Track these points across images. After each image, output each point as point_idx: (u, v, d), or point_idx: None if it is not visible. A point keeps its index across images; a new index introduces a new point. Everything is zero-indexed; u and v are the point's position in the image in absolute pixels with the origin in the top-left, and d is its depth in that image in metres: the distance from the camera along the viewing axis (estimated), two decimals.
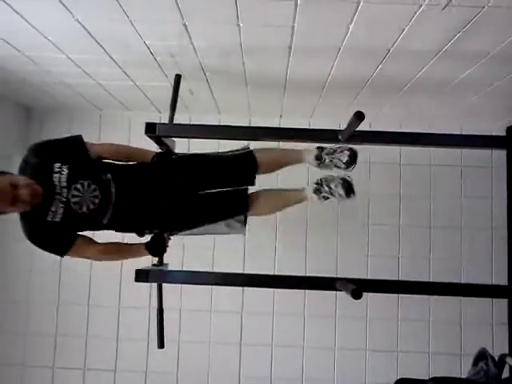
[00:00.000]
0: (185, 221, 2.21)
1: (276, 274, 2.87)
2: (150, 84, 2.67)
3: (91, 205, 1.97)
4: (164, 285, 2.35)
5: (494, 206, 3.25)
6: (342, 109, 2.92)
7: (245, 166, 2.23)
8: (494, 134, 3.18)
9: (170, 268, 2.35)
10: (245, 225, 2.31)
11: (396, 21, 1.79)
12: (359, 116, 1.64)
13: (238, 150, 2.29)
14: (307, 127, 3.13)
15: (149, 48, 2.14)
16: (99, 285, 3.24)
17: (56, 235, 1.99)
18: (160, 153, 2.21)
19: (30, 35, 2.00)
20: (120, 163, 2.17)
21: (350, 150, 2.15)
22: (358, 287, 1.69)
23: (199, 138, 2.42)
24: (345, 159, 2.15)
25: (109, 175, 2.04)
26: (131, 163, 2.19)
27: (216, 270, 2.97)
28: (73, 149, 2.05)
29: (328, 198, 2.21)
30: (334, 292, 3.00)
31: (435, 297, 3.10)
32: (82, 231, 2.08)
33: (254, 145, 2.30)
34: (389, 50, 2.05)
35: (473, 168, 3.27)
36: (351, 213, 3.11)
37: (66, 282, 3.25)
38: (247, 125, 3.16)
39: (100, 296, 3.25)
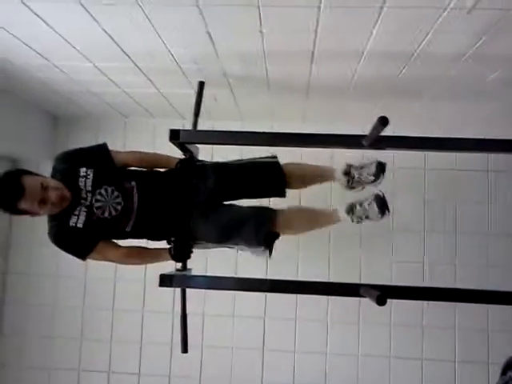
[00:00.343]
0: (204, 231, 2.16)
1: (299, 279, 2.86)
2: (174, 91, 2.71)
3: (113, 211, 2.02)
4: (187, 290, 2.37)
5: None
6: (366, 114, 2.90)
7: (273, 175, 2.21)
8: None
9: (194, 273, 2.37)
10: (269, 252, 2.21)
11: (420, 24, 1.78)
12: (383, 121, 1.62)
13: (263, 158, 2.28)
14: (330, 133, 3.11)
15: (173, 56, 2.17)
16: (123, 289, 3.28)
17: (78, 239, 2.03)
18: (184, 159, 2.23)
19: (58, 44, 2.05)
20: (144, 170, 2.21)
21: (378, 161, 2.12)
22: (383, 293, 1.67)
23: (222, 144, 2.43)
24: (373, 170, 2.11)
25: (133, 183, 2.09)
26: (155, 170, 2.23)
27: (239, 275, 2.98)
28: (98, 156, 2.12)
29: (361, 218, 2.16)
30: (358, 298, 3.00)
31: (461, 304, 3.05)
32: (102, 238, 2.10)
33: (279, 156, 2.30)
34: (413, 54, 2.04)
35: (500, 173, 3.21)
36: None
37: (91, 286, 3.31)
38: (270, 130, 3.16)
39: (124, 300, 3.29)
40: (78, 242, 2.04)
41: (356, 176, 2.17)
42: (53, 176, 2.02)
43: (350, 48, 2.01)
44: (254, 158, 2.29)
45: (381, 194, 2.12)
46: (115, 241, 2.16)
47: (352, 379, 3.16)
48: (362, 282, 2.91)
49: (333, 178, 2.27)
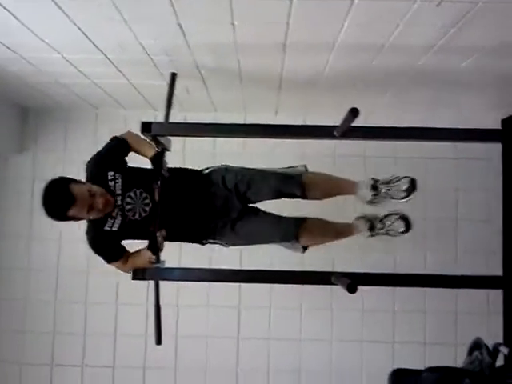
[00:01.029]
0: (232, 238, 2.31)
1: (271, 269, 2.89)
2: (146, 82, 2.68)
3: (143, 212, 2.12)
4: (161, 281, 2.37)
5: (489, 199, 3.28)
6: (338, 105, 2.93)
7: (292, 181, 2.26)
8: (489, 125, 3.21)
9: (167, 265, 2.37)
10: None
11: (391, 17, 1.80)
12: (354, 112, 1.64)
13: (291, 167, 2.34)
14: (303, 123, 3.14)
15: (144, 47, 2.15)
16: (96, 282, 3.25)
17: (109, 245, 2.17)
18: (156, 154, 2.23)
19: (26, 36, 2.01)
20: (173, 170, 2.27)
21: (411, 178, 2.12)
22: (353, 281, 1.71)
23: (195, 136, 2.43)
24: (405, 187, 2.12)
25: (159, 183, 2.15)
26: (183, 172, 2.33)
27: (213, 266, 2.99)
28: (117, 151, 2.22)
29: (380, 233, 2.22)
30: (331, 286, 3.05)
31: (430, 288, 3.14)
32: (135, 239, 2.21)
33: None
34: (384, 46, 2.07)
35: (467, 160, 3.30)
36: (343, 209, 3.13)
37: (63, 280, 3.27)
38: (242, 122, 3.17)
39: (97, 293, 3.26)
40: (110, 247, 2.18)
41: (383, 191, 2.17)
42: (90, 182, 2.11)
43: (322, 40, 2.03)
44: (280, 169, 2.35)
45: (405, 213, 2.18)
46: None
47: (326, 364, 3.23)
48: (335, 270, 2.96)
49: (354, 192, 2.27)
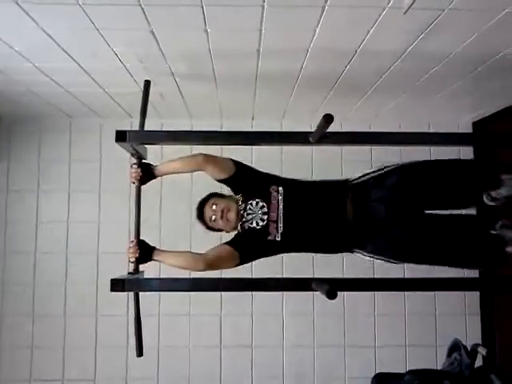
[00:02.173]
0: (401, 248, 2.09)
1: (252, 277, 2.88)
2: (120, 90, 2.66)
3: (261, 221, 2.06)
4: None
5: None
6: (313, 110, 2.96)
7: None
8: (461, 128, 3.27)
9: (146, 276, 2.33)
10: None
11: (361, 23, 1.83)
12: (327, 119, 1.65)
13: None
14: (279, 130, 3.15)
15: (117, 55, 2.13)
16: (75, 294, 3.20)
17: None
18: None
19: None
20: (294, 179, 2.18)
21: None
22: (333, 287, 1.70)
23: (171, 144, 2.41)
24: None
25: (279, 189, 2.08)
26: (308, 181, 2.20)
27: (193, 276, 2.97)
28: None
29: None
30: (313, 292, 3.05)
31: (409, 292, 3.17)
32: (253, 248, 2.11)
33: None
34: (356, 51, 2.09)
35: None
36: None
37: (40, 293, 3.20)
38: (219, 129, 3.17)
39: (76, 305, 3.21)
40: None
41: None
42: None
43: (296, 46, 2.04)
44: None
45: None
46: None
47: (309, 368, 3.23)
48: (316, 276, 2.96)
49: None
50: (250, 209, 2.09)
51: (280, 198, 2.06)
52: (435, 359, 3.19)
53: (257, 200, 2.08)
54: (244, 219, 2.09)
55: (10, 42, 1.97)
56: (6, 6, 1.66)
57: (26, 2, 1.64)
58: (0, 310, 3.18)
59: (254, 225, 2.07)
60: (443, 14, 1.71)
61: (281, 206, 2.04)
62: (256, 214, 2.08)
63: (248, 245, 2.08)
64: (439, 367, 2.57)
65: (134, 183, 2.12)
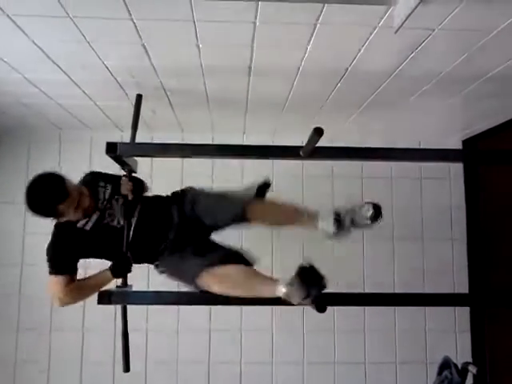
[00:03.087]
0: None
1: None
2: (111, 104, 2.65)
3: (117, 224, 2.09)
4: (129, 305, 2.31)
5: (454, 218, 3.35)
6: (304, 125, 2.95)
7: (231, 212, 2.09)
8: (451, 146, 3.30)
9: (135, 289, 2.30)
10: None
11: (353, 42, 1.84)
12: (318, 131, 1.65)
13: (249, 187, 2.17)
14: (270, 144, 3.16)
15: (108, 68, 2.13)
16: (61, 308, 3.14)
17: (68, 255, 2.05)
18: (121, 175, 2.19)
19: None
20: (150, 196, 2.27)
21: (373, 203, 1.90)
22: (322, 301, 1.69)
23: (161, 157, 2.40)
24: (369, 213, 1.89)
25: (139, 205, 2.14)
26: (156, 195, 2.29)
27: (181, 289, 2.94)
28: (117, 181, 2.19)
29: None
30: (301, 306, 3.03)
31: (400, 307, 3.16)
32: (102, 246, 2.10)
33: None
34: (347, 70, 2.10)
35: (431, 180, 3.37)
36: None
37: (26, 306, 3.15)
38: (210, 142, 3.16)
39: (62, 319, 3.16)
40: (68, 256, 2.06)
41: (347, 222, 1.97)
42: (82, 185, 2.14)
43: (287, 63, 2.05)
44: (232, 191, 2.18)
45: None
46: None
47: None
48: None
49: (313, 226, 2.04)
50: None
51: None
52: (425, 377, 3.17)
53: None
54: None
55: None
56: None
57: (16, 14, 1.64)
58: None
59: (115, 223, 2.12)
60: (433, 33, 1.73)
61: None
62: (117, 213, 2.13)
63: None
64: None
65: (127, 196, 2.12)
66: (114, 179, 2.21)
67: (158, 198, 2.29)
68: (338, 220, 1.97)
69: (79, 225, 2.04)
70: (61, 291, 2.05)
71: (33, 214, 1.94)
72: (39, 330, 3.14)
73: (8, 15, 1.64)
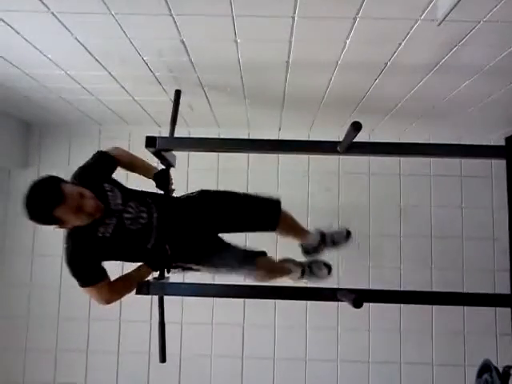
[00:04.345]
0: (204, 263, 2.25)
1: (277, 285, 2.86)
2: (149, 99, 2.69)
3: (139, 225, 2.04)
4: (165, 299, 2.34)
5: (495, 216, 3.25)
6: (341, 121, 2.94)
7: (269, 208, 2.30)
8: (493, 143, 3.19)
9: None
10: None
11: (393, 36, 1.80)
12: (356, 126, 1.62)
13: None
14: (306, 139, 3.14)
15: (147, 64, 2.15)
16: None
17: (91, 263, 1.95)
18: (158, 172, 2.21)
19: (30, 53, 2.03)
20: (158, 193, 2.24)
21: (347, 229, 2.49)
22: (359, 296, 1.68)
23: (199, 151, 2.42)
24: (343, 236, 2.48)
25: (153, 203, 2.12)
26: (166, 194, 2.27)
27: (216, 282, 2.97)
28: (103, 163, 2.12)
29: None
30: (336, 304, 3.00)
31: (438, 308, 3.09)
32: (125, 250, 2.08)
33: None
34: (386, 64, 2.06)
35: (473, 178, 3.28)
36: (351, 224, 3.12)
37: (65, 296, 3.25)
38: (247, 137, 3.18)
39: (100, 310, 3.22)
40: (93, 264, 1.96)
41: (329, 240, 2.47)
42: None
43: (325, 58, 2.03)
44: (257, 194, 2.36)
45: (328, 262, 2.47)
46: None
47: None
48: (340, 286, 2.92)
49: (305, 238, 2.50)
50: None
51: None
52: (463, 380, 3.10)
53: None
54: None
55: (43, 50, 2.02)
56: (42, 16, 1.70)
57: (61, 12, 1.68)
58: (27, 312, 3.24)
59: (133, 227, 2.07)
60: (478, 25, 1.68)
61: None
62: (136, 215, 2.08)
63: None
64: None
65: (168, 190, 2.18)
66: (109, 178, 2.12)
67: (182, 198, 2.32)
68: (323, 238, 2.47)
69: (99, 233, 1.94)
70: (101, 298, 2.03)
71: (33, 222, 1.80)
72: (78, 320, 3.23)
73: (53, 13, 1.68)
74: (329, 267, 2.45)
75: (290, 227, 2.42)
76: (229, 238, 2.35)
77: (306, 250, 2.53)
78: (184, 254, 2.22)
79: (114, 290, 2.04)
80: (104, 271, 1.99)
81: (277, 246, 2.90)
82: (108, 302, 2.05)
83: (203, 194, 2.29)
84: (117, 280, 2.08)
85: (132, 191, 2.15)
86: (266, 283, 2.25)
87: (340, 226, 2.56)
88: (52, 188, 1.77)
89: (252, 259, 2.25)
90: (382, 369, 3.18)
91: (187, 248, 2.21)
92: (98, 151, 2.15)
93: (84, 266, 1.94)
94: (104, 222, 1.95)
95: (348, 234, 2.48)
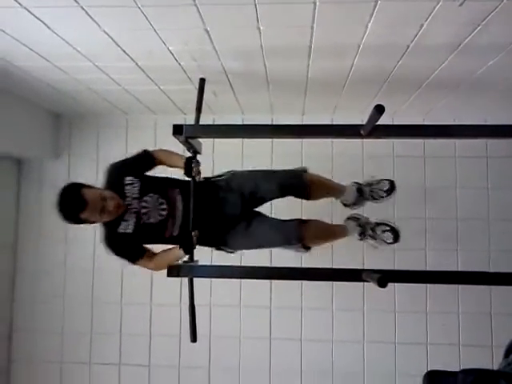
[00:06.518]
0: (239, 244, 2.40)
1: (303, 266, 2.89)
2: (175, 88, 2.74)
3: (159, 216, 2.21)
4: (195, 281, 2.41)
5: None
6: (364, 104, 2.94)
7: (297, 171, 2.37)
8: None
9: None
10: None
11: (414, 17, 1.81)
12: (379, 109, 1.62)
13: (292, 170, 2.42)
14: (330, 123, 3.15)
15: (172, 53, 2.21)
16: (131, 283, 3.34)
17: (127, 246, 2.23)
18: (188, 157, 2.27)
19: (59, 46, 2.10)
20: (186, 180, 2.32)
21: (387, 180, 2.40)
22: (384, 276, 1.70)
23: (225, 138, 2.47)
24: (386, 187, 2.39)
25: (177, 190, 2.26)
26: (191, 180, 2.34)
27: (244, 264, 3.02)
28: (141, 162, 2.31)
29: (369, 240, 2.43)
30: (362, 285, 3.02)
31: (464, 288, 3.09)
32: (149, 243, 2.29)
33: None
34: (408, 46, 2.07)
35: (498, 159, 3.24)
36: (377, 207, 3.13)
37: (98, 281, 3.37)
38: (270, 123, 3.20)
39: (132, 294, 3.35)
40: (128, 248, 2.24)
41: (368, 193, 2.43)
42: (106, 187, 2.23)
43: (347, 42, 2.05)
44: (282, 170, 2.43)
45: (396, 227, 2.40)
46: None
47: (358, 365, 3.22)
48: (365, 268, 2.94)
49: (341, 194, 2.48)
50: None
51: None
52: (491, 360, 3.09)
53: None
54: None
55: (73, 43, 2.09)
56: (72, 10, 1.76)
57: (89, 5, 1.74)
58: (63, 296, 3.37)
59: (152, 220, 2.22)
60: (502, 4, 1.66)
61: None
62: (153, 208, 2.23)
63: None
64: (495, 369, 2.50)
65: (194, 178, 2.23)
66: (140, 172, 2.28)
67: (214, 181, 2.41)
68: (360, 190, 2.43)
69: (120, 230, 2.18)
70: (150, 269, 2.31)
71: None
72: (111, 304, 3.35)
73: (82, 7, 1.74)
74: (396, 233, 2.38)
75: (322, 184, 2.42)
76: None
77: (345, 204, 2.55)
78: (215, 237, 2.34)
79: (158, 264, 2.27)
80: (141, 248, 2.25)
81: None
82: (156, 270, 2.30)
83: (234, 175, 2.40)
84: (160, 253, 2.29)
85: (155, 182, 2.29)
86: (310, 252, 2.34)
87: (382, 177, 2.48)
88: (74, 196, 2.04)
89: (296, 227, 2.29)
90: (408, 350, 3.20)
91: (219, 231, 2.32)
92: (143, 150, 2.34)
93: (124, 246, 2.22)
94: (123, 219, 2.19)
95: (392, 185, 2.40)
